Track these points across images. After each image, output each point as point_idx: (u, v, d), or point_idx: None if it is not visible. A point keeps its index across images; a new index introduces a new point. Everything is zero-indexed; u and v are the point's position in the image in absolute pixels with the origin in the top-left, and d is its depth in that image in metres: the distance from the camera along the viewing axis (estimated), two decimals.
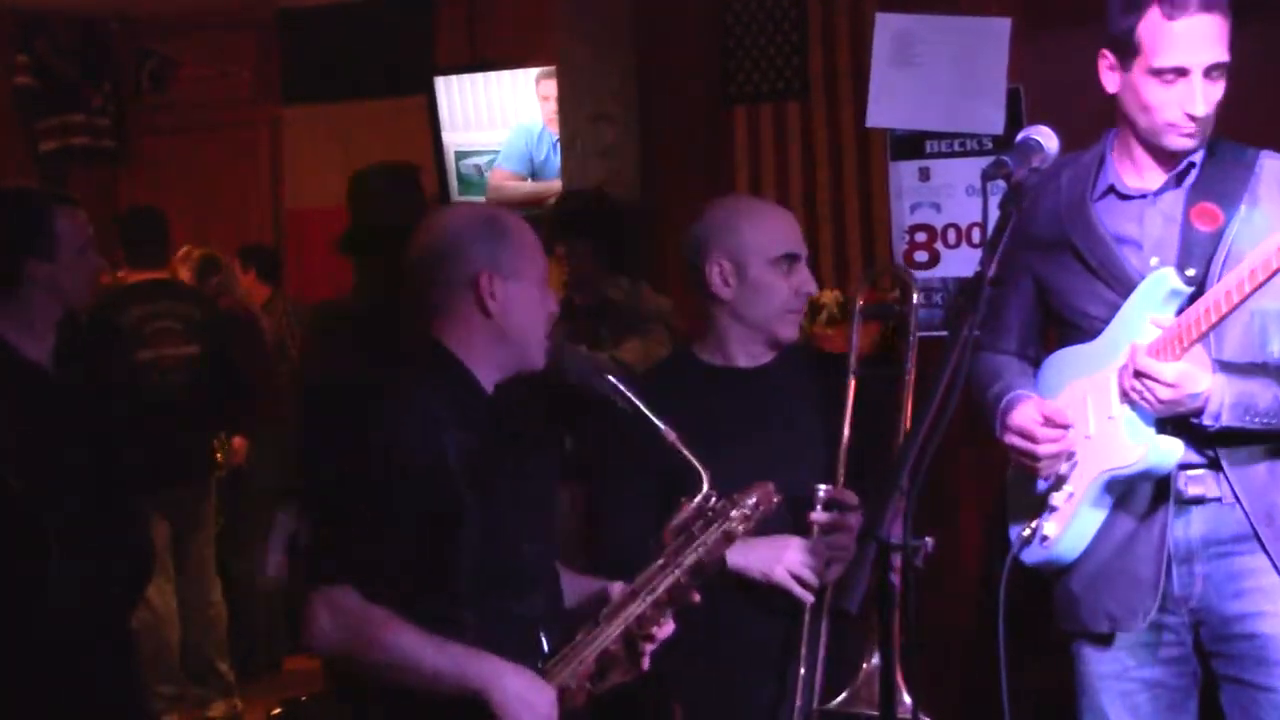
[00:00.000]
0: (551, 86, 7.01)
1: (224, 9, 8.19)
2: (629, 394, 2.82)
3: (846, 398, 3.12)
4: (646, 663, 2.76)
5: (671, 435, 2.79)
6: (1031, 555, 3.00)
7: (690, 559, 2.74)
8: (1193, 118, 2.85)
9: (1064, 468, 2.95)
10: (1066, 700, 3.10)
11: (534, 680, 2.64)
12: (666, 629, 2.76)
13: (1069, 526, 2.95)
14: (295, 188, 8.07)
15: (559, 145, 6.32)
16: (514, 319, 2.78)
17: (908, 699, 2.67)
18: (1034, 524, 2.98)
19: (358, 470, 2.70)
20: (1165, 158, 2.94)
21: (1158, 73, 2.85)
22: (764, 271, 3.16)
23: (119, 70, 8.57)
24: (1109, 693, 3.00)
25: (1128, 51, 2.89)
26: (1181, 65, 2.84)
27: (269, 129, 8.34)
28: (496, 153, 7.58)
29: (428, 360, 2.79)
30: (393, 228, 4.35)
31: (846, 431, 3.08)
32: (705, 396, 3.16)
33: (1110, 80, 2.94)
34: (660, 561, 2.75)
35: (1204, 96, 2.84)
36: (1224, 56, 2.86)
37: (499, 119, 7.57)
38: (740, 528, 2.78)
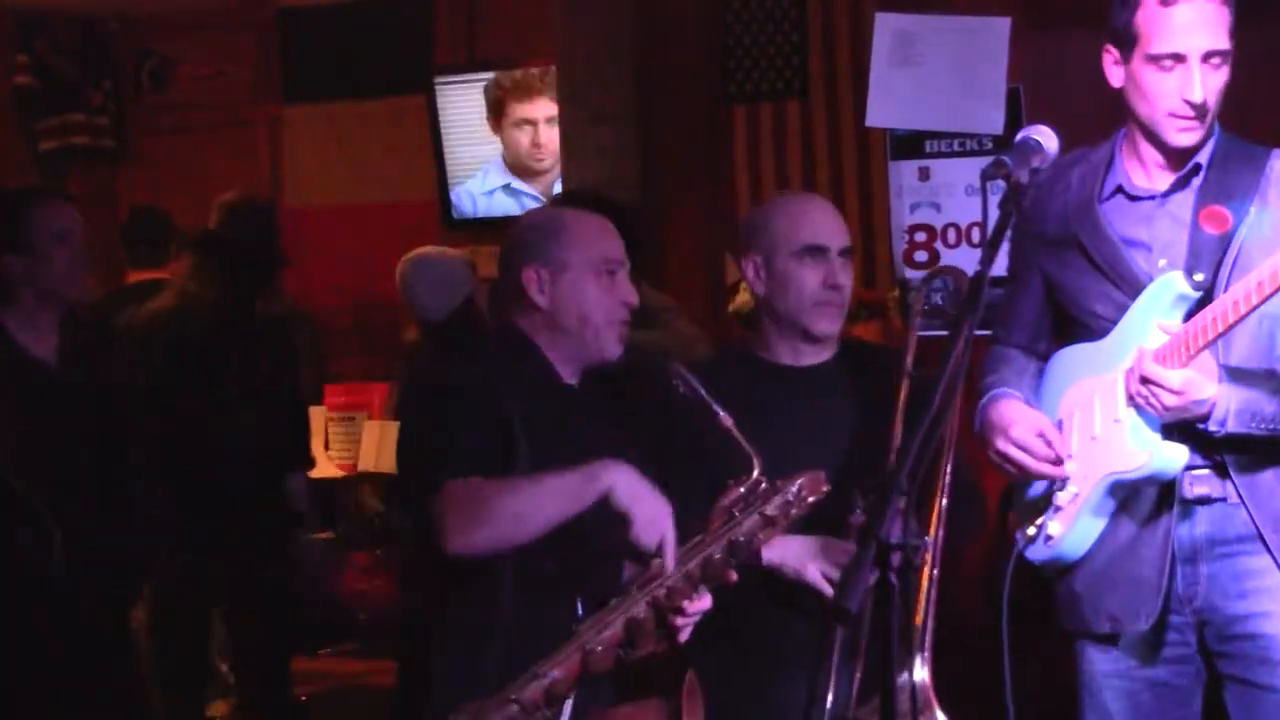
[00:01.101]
0: (520, 109, 7.06)
1: (224, 8, 8.18)
2: (690, 379, 2.91)
3: (898, 399, 3.08)
4: (684, 636, 2.83)
5: (728, 421, 2.86)
6: (1036, 553, 3.00)
7: (725, 537, 2.80)
8: (1192, 105, 2.83)
9: (1071, 468, 2.94)
10: (1070, 699, 3.10)
11: (640, 473, 2.79)
12: (699, 604, 2.82)
13: (1073, 526, 2.94)
14: (295, 187, 8.07)
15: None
16: (567, 310, 2.96)
17: (941, 716, 2.66)
18: (1039, 522, 2.98)
19: (438, 407, 2.91)
20: (1172, 157, 2.92)
21: (1155, 59, 2.85)
22: (788, 263, 3.17)
23: (119, 70, 8.56)
24: (1112, 691, 2.99)
25: (1128, 42, 2.89)
26: (1178, 51, 2.83)
27: (268, 128, 8.32)
28: (497, 153, 7.59)
29: (503, 342, 3.00)
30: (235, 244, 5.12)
31: (898, 434, 3.01)
32: (752, 391, 3.16)
33: (1115, 75, 2.94)
34: (698, 538, 2.82)
35: (1202, 83, 2.83)
36: (1223, 44, 2.84)
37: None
38: (779, 513, 2.81)
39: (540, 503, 2.78)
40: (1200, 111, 2.85)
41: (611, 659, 2.77)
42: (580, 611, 2.84)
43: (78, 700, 3.84)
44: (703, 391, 2.89)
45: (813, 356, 3.22)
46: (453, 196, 7.57)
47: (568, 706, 2.78)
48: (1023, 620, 2.84)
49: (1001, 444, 2.97)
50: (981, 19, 4.47)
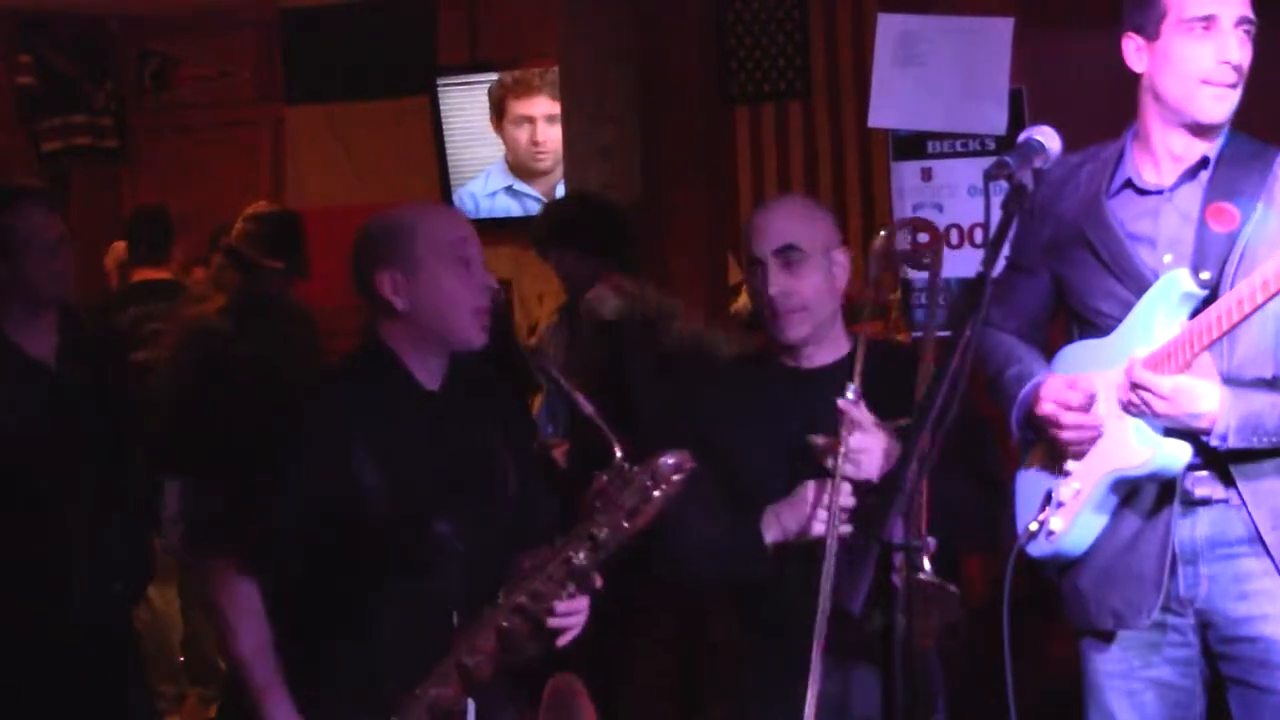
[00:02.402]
0: (522, 105, 7.03)
1: (226, 9, 8.18)
2: (552, 370, 2.95)
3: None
4: (564, 639, 2.81)
5: (589, 408, 2.82)
6: (1038, 548, 3.00)
7: (586, 535, 2.77)
8: (1230, 66, 2.83)
9: (1072, 465, 2.94)
10: (1072, 700, 3.10)
11: None
12: (572, 604, 2.79)
13: (1075, 522, 2.94)
14: (297, 187, 8.06)
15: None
16: (427, 309, 2.89)
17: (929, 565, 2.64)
18: (1041, 517, 2.98)
19: (266, 454, 2.89)
20: (1193, 133, 2.91)
21: (1188, 23, 2.85)
22: (750, 275, 3.15)
23: (121, 70, 8.56)
24: (1115, 692, 2.99)
25: (1155, 17, 2.89)
26: (1211, 13, 2.84)
27: (271, 129, 8.33)
28: (499, 154, 7.58)
29: (364, 360, 2.97)
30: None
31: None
32: (763, 392, 3.15)
33: (1138, 60, 2.93)
34: (564, 539, 2.79)
35: (1238, 46, 2.84)
36: (1250, 13, 2.86)
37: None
38: (638, 501, 2.76)
39: (241, 673, 2.83)
40: (1238, 75, 2.85)
41: (491, 668, 2.77)
42: (455, 623, 2.82)
43: (80, 701, 3.84)
44: (563, 381, 2.89)
45: (820, 357, 3.16)
46: (455, 198, 7.56)
47: (470, 708, 2.79)
48: (1024, 621, 2.83)
49: (1059, 414, 2.94)
50: (984, 19, 4.47)
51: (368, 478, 2.81)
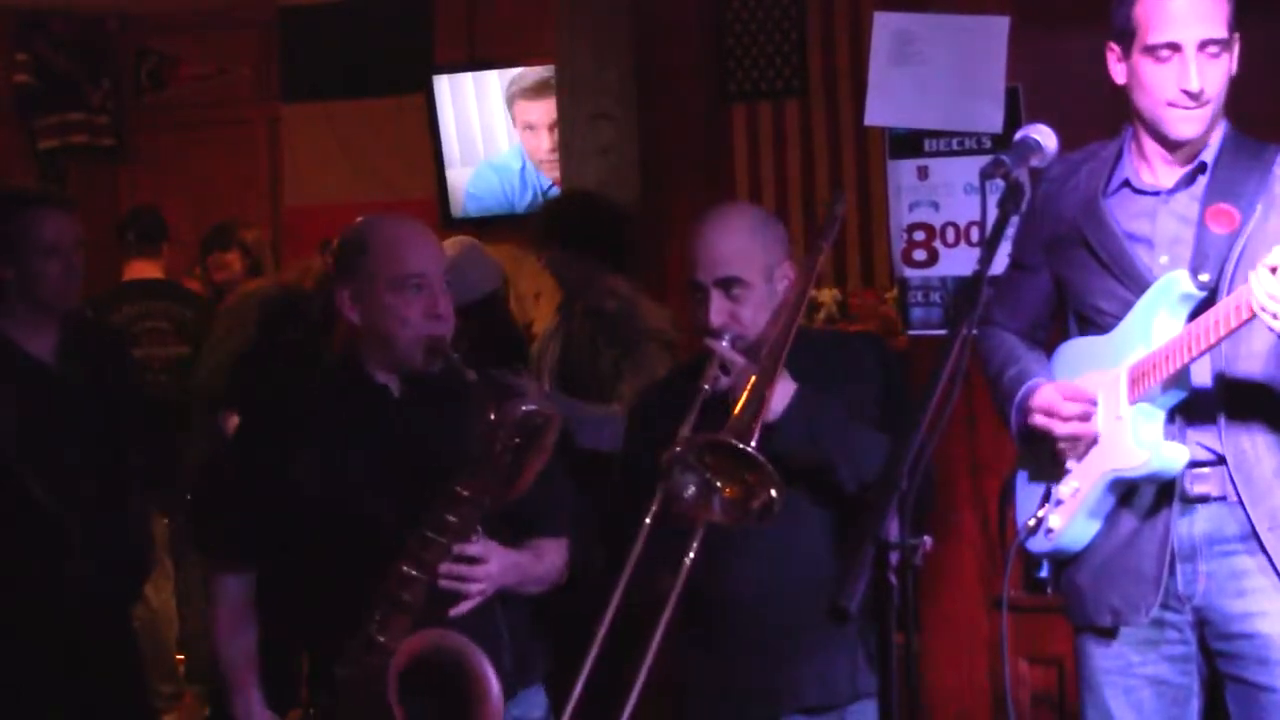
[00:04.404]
0: (530, 110, 7.01)
1: (224, 7, 8.19)
2: (453, 357, 2.97)
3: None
4: (462, 607, 2.88)
5: (472, 376, 2.92)
6: (1037, 545, 3.01)
7: (454, 495, 2.87)
8: (1190, 94, 2.84)
9: (1071, 464, 2.94)
10: (1070, 697, 3.10)
11: None
12: (454, 569, 2.87)
13: (1073, 520, 2.95)
14: (294, 185, 8.07)
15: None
16: (374, 326, 3.00)
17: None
18: (1039, 514, 2.98)
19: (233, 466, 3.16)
20: (1176, 150, 2.92)
21: (1152, 50, 2.85)
22: (691, 299, 3.14)
23: (118, 68, 8.56)
24: (1112, 688, 3.00)
25: (1127, 36, 2.90)
26: (1174, 40, 2.84)
27: (268, 127, 8.33)
28: (497, 151, 7.58)
29: (335, 363, 3.17)
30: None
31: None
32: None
33: (1118, 72, 2.94)
34: (440, 501, 2.89)
35: (1200, 72, 2.84)
36: (1220, 33, 2.85)
37: (498, 118, 7.58)
38: (488, 467, 2.85)
39: (219, 667, 3.08)
40: (1199, 100, 2.85)
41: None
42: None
43: (79, 699, 3.84)
44: (450, 355, 2.95)
45: None
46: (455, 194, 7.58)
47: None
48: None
49: (1052, 424, 2.94)
50: (980, 18, 4.46)
51: (302, 472, 2.95)
